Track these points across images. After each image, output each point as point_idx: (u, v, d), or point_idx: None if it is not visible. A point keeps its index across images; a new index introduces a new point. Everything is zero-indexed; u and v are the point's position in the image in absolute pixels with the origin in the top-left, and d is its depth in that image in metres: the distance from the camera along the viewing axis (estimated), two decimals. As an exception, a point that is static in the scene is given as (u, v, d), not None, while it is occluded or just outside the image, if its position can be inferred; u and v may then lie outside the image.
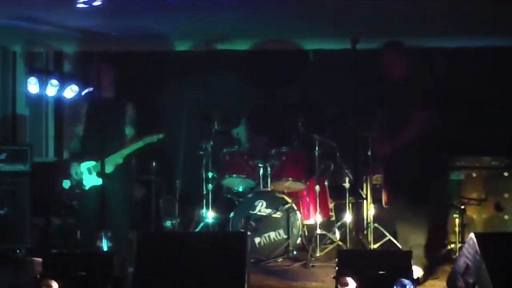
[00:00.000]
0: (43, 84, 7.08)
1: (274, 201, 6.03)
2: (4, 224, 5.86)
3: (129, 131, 5.47)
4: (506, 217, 6.20)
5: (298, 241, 5.96)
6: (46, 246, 6.13)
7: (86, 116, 5.46)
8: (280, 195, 6.07)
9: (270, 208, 6.00)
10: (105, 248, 4.57)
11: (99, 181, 5.11)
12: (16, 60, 7.54)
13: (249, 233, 4.42)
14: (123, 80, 6.61)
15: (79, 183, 5.34)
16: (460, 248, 5.46)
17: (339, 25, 6.48)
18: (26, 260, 5.79)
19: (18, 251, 5.90)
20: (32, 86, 6.99)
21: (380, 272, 3.81)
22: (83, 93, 5.71)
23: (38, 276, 3.83)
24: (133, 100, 5.53)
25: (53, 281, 3.77)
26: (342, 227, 6.50)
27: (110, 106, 5.35)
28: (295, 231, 5.94)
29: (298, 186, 6.32)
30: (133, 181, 5.85)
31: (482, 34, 6.88)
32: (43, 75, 7.13)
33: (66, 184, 5.37)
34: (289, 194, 6.22)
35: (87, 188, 5.31)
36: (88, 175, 5.31)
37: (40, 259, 3.97)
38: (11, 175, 5.97)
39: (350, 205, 6.52)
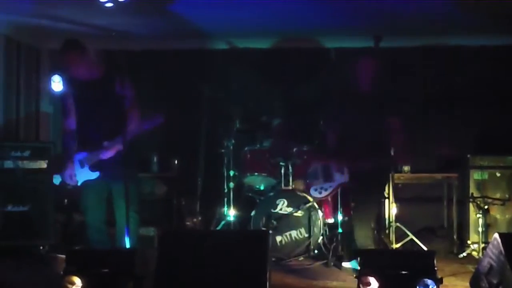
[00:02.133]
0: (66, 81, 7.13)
1: (296, 200, 6.01)
2: (27, 221, 5.90)
3: (126, 111, 4.82)
4: (529, 217, 6.15)
5: (320, 240, 5.94)
6: (68, 243, 6.18)
7: (74, 106, 4.99)
8: (301, 194, 6.05)
9: (291, 207, 5.99)
10: (127, 246, 4.57)
11: (92, 175, 4.79)
12: (40, 58, 7.61)
13: (270, 231, 4.42)
14: (143, 78, 6.66)
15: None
16: (484, 249, 5.41)
17: (362, 23, 6.46)
18: (49, 256, 5.85)
19: (41, 247, 5.96)
20: (56, 84, 7.03)
21: (403, 272, 3.78)
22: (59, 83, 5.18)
23: (61, 272, 3.86)
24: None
25: (76, 277, 3.80)
26: (364, 226, 6.48)
27: (97, 88, 4.87)
28: (316, 230, 5.92)
29: (320, 184, 6.30)
30: (135, 170, 5.22)
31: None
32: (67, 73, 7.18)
33: (57, 180, 5.03)
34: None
35: (79, 184, 4.86)
36: (80, 169, 4.86)
37: (63, 256, 3.99)
38: (35, 172, 6.02)
39: (372, 204, 6.48)
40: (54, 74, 6.57)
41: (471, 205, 6.19)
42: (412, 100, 6.99)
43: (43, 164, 6.05)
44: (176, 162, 7.06)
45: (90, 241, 5.06)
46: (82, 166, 4.85)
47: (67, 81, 5.08)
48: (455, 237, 6.46)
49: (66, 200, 4.99)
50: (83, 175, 4.86)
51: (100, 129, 4.82)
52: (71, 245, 6.03)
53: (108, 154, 4.79)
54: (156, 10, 6.07)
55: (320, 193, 5.51)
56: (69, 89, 5.06)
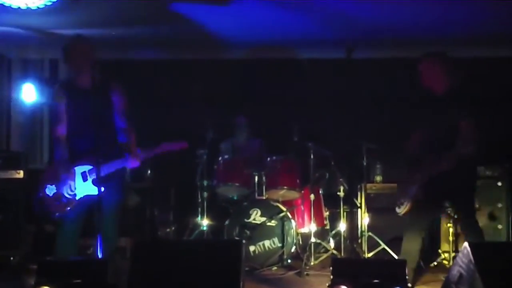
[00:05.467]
0: (38, 91, 7.09)
1: (269, 210, 6.03)
2: (-3, 231, 5.85)
3: (120, 123, 4.69)
4: (499, 226, 6.25)
5: (293, 249, 5.96)
6: (39, 253, 6.09)
7: (66, 112, 4.62)
8: (274, 204, 6.07)
9: (264, 217, 6.01)
10: (99, 256, 4.51)
11: (93, 191, 4.35)
12: (12, 67, 7.54)
13: (243, 241, 4.42)
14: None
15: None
16: (454, 257, 5.47)
17: (334, 34, 6.52)
18: (20, 267, 5.78)
19: (11, 258, 5.88)
20: (28, 93, 7.00)
21: (375, 281, 3.81)
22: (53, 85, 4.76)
23: (32, 283, 3.82)
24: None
25: (47, 288, 3.76)
26: (337, 235, 6.52)
27: (91, 94, 4.40)
28: (289, 239, 5.94)
29: (293, 194, 6.33)
30: (128, 187, 5.17)
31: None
32: (39, 82, 7.13)
33: (51, 190, 4.51)
34: (284, 203, 6.22)
35: (77, 198, 4.52)
36: (82, 182, 4.51)
37: (35, 267, 3.94)
38: (5, 181, 5.96)
39: (345, 213, 6.54)
40: (26, 83, 6.48)
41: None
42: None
43: (15, 174, 5.99)
44: (149, 172, 7.02)
45: (58, 251, 4.74)
46: (84, 179, 4.52)
47: (61, 87, 4.73)
48: (426, 246, 6.52)
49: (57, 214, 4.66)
50: (84, 189, 4.51)
51: (92, 139, 4.35)
52: (43, 255, 5.96)
53: (134, 164, 4.65)
54: (132, 21, 6.07)
55: (399, 207, 5.10)
56: (61, 95, 4.67)
